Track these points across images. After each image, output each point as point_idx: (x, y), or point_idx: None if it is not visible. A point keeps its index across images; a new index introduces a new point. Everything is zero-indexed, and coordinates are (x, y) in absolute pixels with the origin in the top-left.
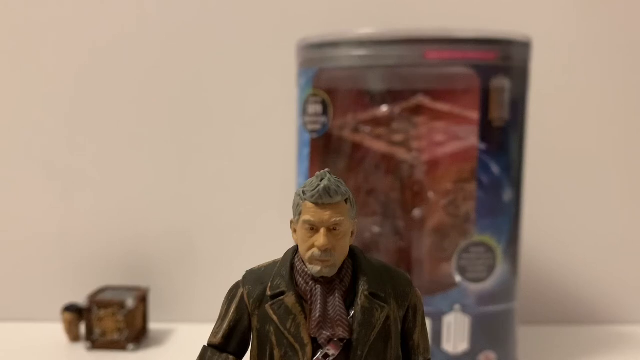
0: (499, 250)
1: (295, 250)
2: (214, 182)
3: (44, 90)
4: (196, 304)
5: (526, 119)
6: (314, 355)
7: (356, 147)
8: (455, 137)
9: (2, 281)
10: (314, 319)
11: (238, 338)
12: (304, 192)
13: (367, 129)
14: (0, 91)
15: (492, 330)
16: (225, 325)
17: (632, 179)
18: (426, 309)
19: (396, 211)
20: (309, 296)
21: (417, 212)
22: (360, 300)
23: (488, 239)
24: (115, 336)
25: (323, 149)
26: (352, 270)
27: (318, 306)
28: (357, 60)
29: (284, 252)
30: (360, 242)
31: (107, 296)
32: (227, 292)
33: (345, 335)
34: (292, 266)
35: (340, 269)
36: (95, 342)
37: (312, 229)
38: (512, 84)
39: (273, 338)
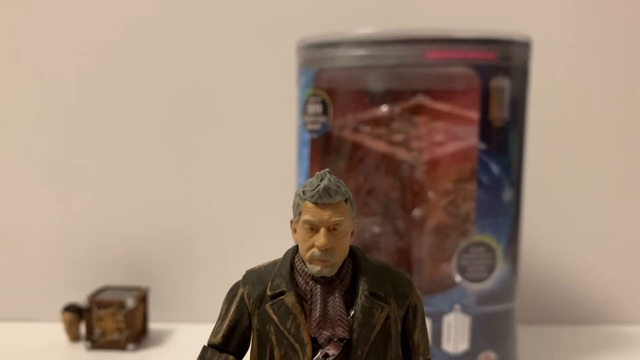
0: (499, 250)
1: (295, 250)
2: (214, 182)
3: (44, 91)
4: (196, 304)
5: (526, 119)
6: (314, 355)
7: (356, 147)
8: (455, 137)
9: (2, 281)
10: (314, 318)
11: (238, 338)
12: (304, 192)
13: (367, 129)
14: (1, 92)
15: (492, 330)
16: (225, 325)
17: (632, 179)
18: (426, 309)
19: (396, 211)
20: (309, 296)
21: (417, 212)
22: (360, 300)
23: (488, 239)
24: (115, 336)
25: (323, 149)
26: (352, 270)
27: (318, 306)
28: (357, 60)
29: (284, 252)
30: (360, 242)
31: (107, 296)
32: (227, 292)
33: (345, 335)
34: (292, 266)
35: (340, 268)
36: (95, 342)
37: (312, 229)
38: (512, 84)
39: (273, 338)
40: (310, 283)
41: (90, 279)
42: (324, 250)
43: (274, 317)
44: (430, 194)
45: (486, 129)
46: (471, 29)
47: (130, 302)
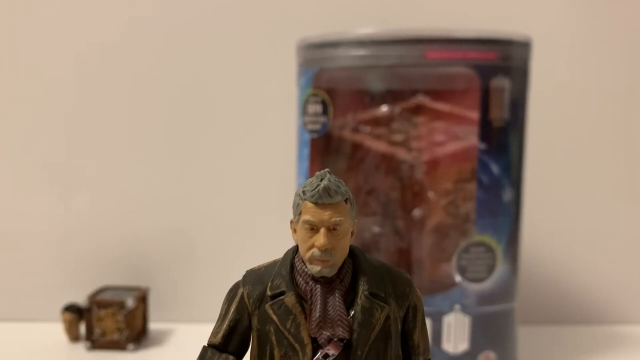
0: (499, 250)
1: (295, 250)
2: (214, 182)
3: (44, 90)
4: (196, 304)
5: (526, 119)
6: (314, 355)
7: (356, 147)
8: (455, 137)
9: (2, 281)
10: (314, 319)
11: (238, 338)
12: (304, 192)
13: (367, 129)
14: (1, 92)
15: (492, 330)
16: (225, 325)
17: (632, 179)
18: (426, 309)
19: (396, 211)
20: (309, 296)
21: (417, 212)
22: (360, 300)
23: (488, 239)
24: (115, 336)
25: (323, 149)
26: (352, 270)
27: (318, 306)
28: (357, 60)
29: (284, 252)
30: (360, 242)
31: (107, 296)
32: (227, 292)
33: (345, 335)
34: (292, 266)
35: (340, 269)
36: (95, 342)
37: (312, 229)
38: (512, 84)
39: (273, 338)
40: (310, 283)
41: (90, 279)
42: (324, 250)
43: (274, 317)
44: (430, 194)
45: (486, 129)
46: (471, 29)
47: (130, 302)
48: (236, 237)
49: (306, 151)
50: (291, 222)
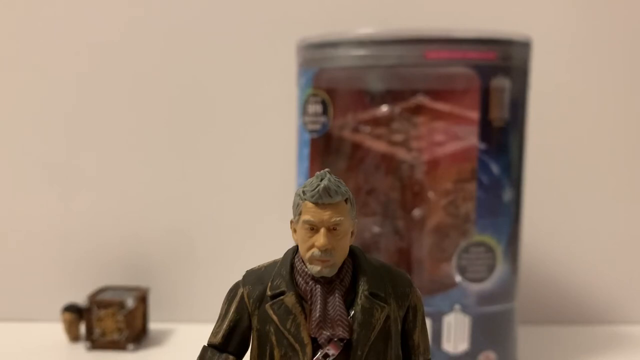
0: (499, 250)
1: (295, 250)
2: (214, 182)
3: (44, 91)
4: (196, 304)
5: (526, 119)
6: (314, 355)
7: (356, 147)
8: (455, 137)
9: (2, 281)
10: (314, 319)
11: (238, 338)
12: (304, 192)
13: (367, 129)
14: (1, 92)
15: (492, 330)
16: (225, 325)
17: (632, 179)
18: (426, 309)
19: (396, 211)
20: (309, 296)
21: (417, 212)
22: (360, 300)
23: (488, 239)
24: (115, 336)
25: (323, 149)
26: (352, 270)
27: (318, 306)
28: (357, 60)
29: (284, 252)
30: (360, 242)
31: (107, 296)
32: (227, 292)
33: (345, 335)
34: (292, 266)
35: (340, 269)
36: (95, 342)
37: (312, 229)
38: (512, 84)
39: (273, 338)
40: (310, 283)
41: (90, 279)
42: (324, 250)
43: (274, 317)
44: (430, 194)
45: (486, 129)
46: (471, 29)
47: (130, 302)
48: (236, 237)
49: (306, 151)
50: (291, 222)
